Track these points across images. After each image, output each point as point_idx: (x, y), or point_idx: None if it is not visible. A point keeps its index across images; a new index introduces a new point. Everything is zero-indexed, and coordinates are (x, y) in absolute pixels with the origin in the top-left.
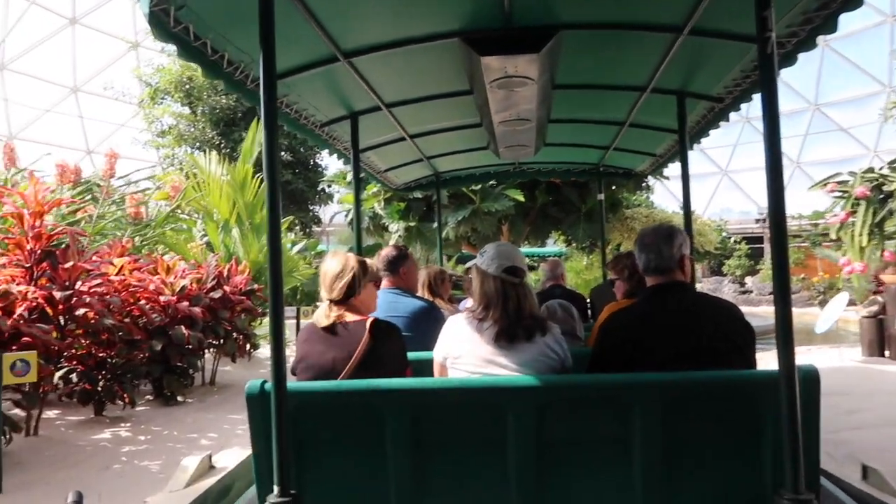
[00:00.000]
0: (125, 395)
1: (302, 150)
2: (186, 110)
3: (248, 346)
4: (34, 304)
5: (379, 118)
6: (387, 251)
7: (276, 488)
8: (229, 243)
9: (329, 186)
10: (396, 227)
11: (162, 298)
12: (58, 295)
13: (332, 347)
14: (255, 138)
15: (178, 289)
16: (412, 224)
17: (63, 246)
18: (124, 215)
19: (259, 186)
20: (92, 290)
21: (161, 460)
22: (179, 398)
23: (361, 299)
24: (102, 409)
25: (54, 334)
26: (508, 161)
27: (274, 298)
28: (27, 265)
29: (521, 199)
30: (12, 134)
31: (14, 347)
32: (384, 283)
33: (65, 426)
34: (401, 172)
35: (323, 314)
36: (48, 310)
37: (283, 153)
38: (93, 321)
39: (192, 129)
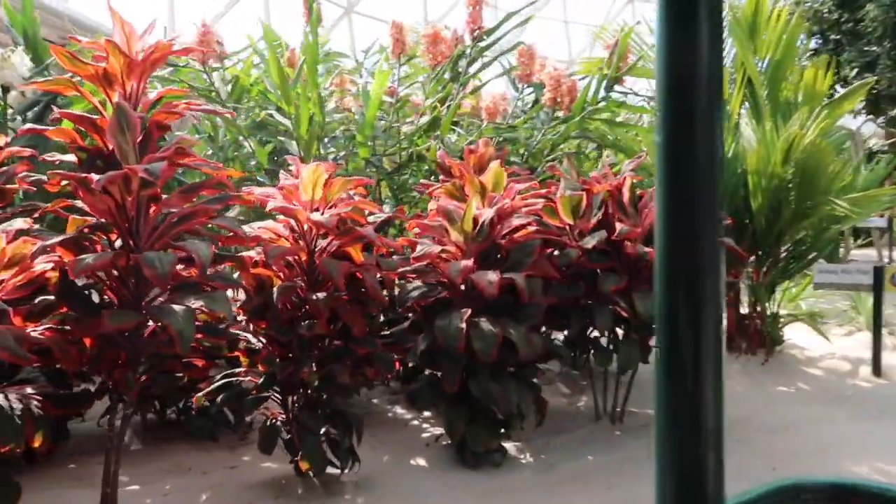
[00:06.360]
0: (298, 454)
1: None
2: None
3: (765, 339)
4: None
5: None
6: None
7: None
8: (727, 137)
9: None
10: None
11: (433, 250)
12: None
13: None
14: None
15: (471, 230)
16: None
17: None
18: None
19: (788, 24)
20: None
21: None
22: (506, 448)
23: None
24: (323, 467)
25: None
26: None
27: None
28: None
29: None
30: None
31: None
32: None
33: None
34: None
35: None
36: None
37: None
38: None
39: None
